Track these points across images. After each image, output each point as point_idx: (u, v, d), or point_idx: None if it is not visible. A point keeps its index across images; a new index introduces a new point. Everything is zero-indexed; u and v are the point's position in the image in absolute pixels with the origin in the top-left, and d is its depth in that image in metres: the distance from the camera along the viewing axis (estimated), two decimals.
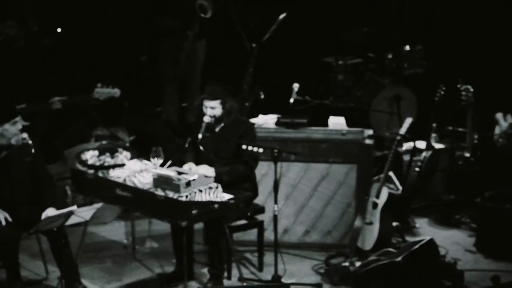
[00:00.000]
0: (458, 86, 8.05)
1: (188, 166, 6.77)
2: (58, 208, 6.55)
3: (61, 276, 6.60)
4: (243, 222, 7.15)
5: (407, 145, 8.31)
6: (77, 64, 9.52)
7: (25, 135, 6.58)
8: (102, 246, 7.78)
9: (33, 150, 6.60)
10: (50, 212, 6.52)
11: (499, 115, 8.06)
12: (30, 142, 6.58)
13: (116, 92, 7.55)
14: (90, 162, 6.88)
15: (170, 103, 9.54)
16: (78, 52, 9.63)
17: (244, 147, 6.79)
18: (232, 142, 6.91)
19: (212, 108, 6.93)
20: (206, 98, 6.95)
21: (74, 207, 6.43)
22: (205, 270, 7.01)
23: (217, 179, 6.61)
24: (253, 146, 6.78)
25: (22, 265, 6.91)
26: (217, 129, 7.05)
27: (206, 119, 6.93)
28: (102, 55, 9.72)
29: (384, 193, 7.27)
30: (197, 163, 6.93)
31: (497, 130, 8.06)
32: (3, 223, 6.47)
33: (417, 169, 8.10)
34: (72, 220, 6.44)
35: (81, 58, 9.61)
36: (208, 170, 6.74)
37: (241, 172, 6.93)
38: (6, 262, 6.73)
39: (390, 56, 9.62)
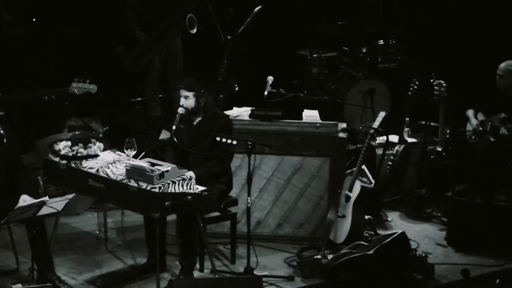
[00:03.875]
0: (431, 81, 8.10)
1: None
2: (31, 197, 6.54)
3: (33, 266, 6.56)
4: (216, 214, 7.16)
5: (380, 139, 8.35)
6: (51, 54, 9.45)
7: None
8: (74, 237, 7.75)
9: (4, 140, 6.55)
10: (26, 198, 6.50)
11: (469, 113, 8.13)
12: (1, 131, 6.53)
13: (93, 88, 7.47)
14: (62, 152, 6.84)
15: (153, 99, 9.53)
16: (52, 41, 9.57)
17: (218, 139, 6.80)
18: (209, 136, 6.91)
19: (185, 98, 6.94)
20: (182, 88, 6.97)
21: (46, 198, 6.40)
22: (177, 262, 7.01)
23: (196, 180, 6.59)
24: (227, 138, 6.79)
25: None
26: (194, 123, 7.05)
27: (180, 110, 6.94)
28: (77, 45, 9.66)
29: (357, 186, 7.30)
30: (177, 159, 6.93)
31: (469, 127, 8.14)
32: None
33: (389, 162, 8.13)
34: (44, 211, 6.40)
35: (55, 47, 9.54)
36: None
37: (218, 171, 6.96)
38: None
39: (364, 50, 9.65)
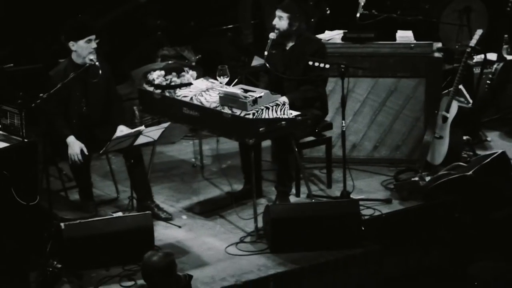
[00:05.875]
0: None
1: None
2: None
3: (132, 195, 6.69)
4: (311, 138, 7.13)
5: (478, 57, 8.15)
6: None
7: (92, 56, 6.59)
8: (171, 166, 7.85)
9: (100, 72, 6.62)
10: (123, 128, 6.59)
11: None
12: (97, 63, 6.60)
13: None
14: (156, 82, 6.89)
15: (245, 26, 9.49)
16: None
17: (311, 63, 6.74)
18: (302, 61, 6.83)
19: (279, 18, 6.86)
20: (278, 8, 6.91)
21: (142, 127, 6.48)
22: (273, 188, 7.03)
23: (290, 106, 6.55)
24: (320, 62, 6.72)
25: (94, 186, 7.05)
26: (287, 48, 6.98)
27: (272, 35, 6.89)
28: None
29: (454, 106, 7.16)
30: (270, 85, 6.90)
31: None
32: (80, 157, 6.55)
33: (488, 81, 7.95)
34: (140, 140, 6.48)
35: None
36: None
37: (312, 96, 6.90)
38: (79, 183, 6.89)
39: None
